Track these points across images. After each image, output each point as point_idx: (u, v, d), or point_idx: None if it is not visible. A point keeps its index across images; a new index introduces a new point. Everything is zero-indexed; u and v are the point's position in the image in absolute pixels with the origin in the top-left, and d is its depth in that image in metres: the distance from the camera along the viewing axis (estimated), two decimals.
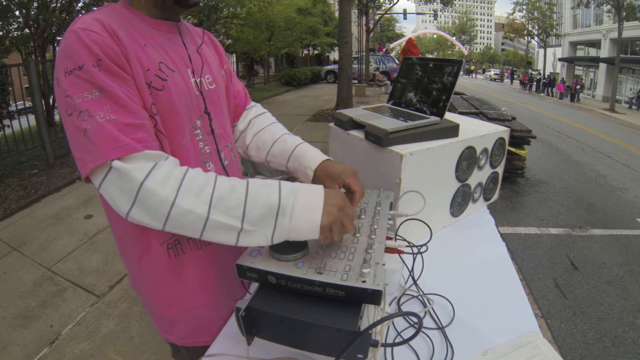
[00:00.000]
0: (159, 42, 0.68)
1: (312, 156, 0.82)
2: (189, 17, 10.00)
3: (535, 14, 29.16)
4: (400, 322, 0.75)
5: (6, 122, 4.98)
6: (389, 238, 0.68)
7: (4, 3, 5.85)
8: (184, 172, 0.58)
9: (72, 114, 0.56)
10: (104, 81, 0.56)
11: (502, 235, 1.12)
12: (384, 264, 0.59)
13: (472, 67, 50.23)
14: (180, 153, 0.68)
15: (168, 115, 0.66)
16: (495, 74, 41.86)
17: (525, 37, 35.04)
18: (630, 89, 18.96)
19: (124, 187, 0.55)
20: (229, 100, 0.87)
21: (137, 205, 0.55)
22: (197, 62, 0.75)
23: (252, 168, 1.66)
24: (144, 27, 0.67)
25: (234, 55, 13.49)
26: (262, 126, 0.92)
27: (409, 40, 6.20)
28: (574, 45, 25.36)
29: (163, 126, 0.65)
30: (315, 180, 0.80)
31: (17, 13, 6.15)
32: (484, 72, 51.04)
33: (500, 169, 1.26)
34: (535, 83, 25.87)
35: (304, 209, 0.58)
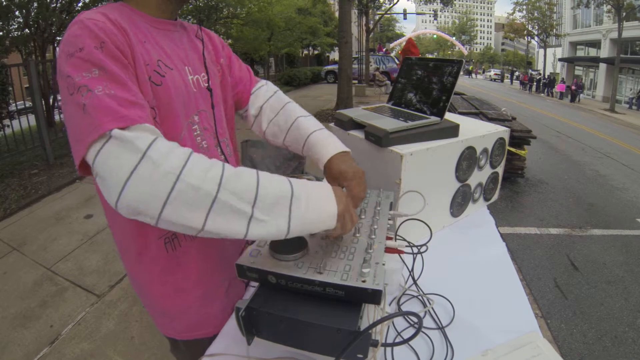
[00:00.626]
0: (158, 41, 0.69)
1: (322, 150, 0.78)
2: (189, 17, 10.01)
3: (535, 14, 29.16)
4: (400, 322, 0.75)
5: (6, 122, 4.98)
6: (389, 238, 0.68)
7: (4, 3, 5.85)
8: (189, 150, 0.53)
9: (73, 93, 0.54)
10: (104, 61, 0.55)
11: (502, 235, 1.12)
12: (384, 264, 0.59)
13: (471, 67, 49.30)
14: None
15: (165, 110, 0.66)
16: (496, 74, 41.83)
17: (525, 37, 35.06)
18: (631, 89, 18.95)
19: (123, 157, 0.49)
20: (227, 93, 0.86)
21: (135, 178, 0.47)
22: (194, 60, 0.75)
23: (251, 167, 1.65)
24: (144, 25, 0.68)
25: None
26: (275, 111, 0.89)
27: (409, 40, 6.20)
28: (574, 45, 25.35)
29: (160, 120, 0.66)
30: (325, 175, 0.78)
31: (17, 13, 6.15)
32: (483, 72, 50.39)
33: (500, 169, 1.26)
34: (535, 83, 25.88)
35: (319, 197, 0.58)
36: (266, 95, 0.91)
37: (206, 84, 0.76)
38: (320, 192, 0.59)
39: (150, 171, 0.48)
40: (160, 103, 0.65)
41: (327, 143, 0.79)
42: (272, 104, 0.90)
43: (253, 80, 0.92)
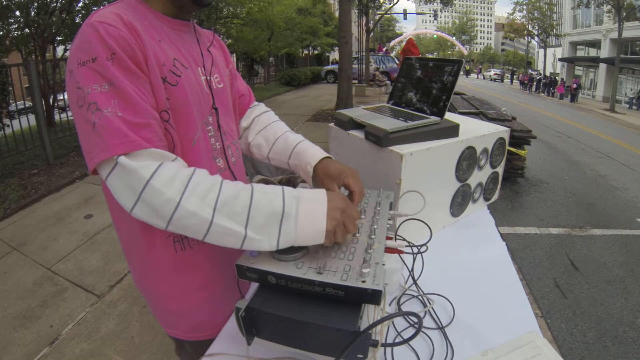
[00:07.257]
0: (173, 40, 0.69)
1: (312, 153, 0.83)
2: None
3: (536, 14, 29.16)
4: (400, 322, 0.75)
5: (6, 121, 4.98)
6: (389, 238, 0.68)
7: (4, 3, 5.85)
8: (191, 174, 0.58)
9: (82, 106, 0.56)
10: (115, 75, 0.56)
11: (502, 235, 1.12)
12: (383, 264, 0.59)
13: (467, 67, 47.01)
14: (192, 148, 0.69)
15: (181, 110, 0.67)
16: (496, 74, 41.74)
17: (525, 37, 35.04)
18: (631, 89, 18.95)
19: (129, 183, 0.55)
20: (234, 99, 0.89)
21: (141, 202, 0.55)
22: (207, 61, 0.77)
23: (252, 167, 1.65)
24: (159, 23, 0.68)
25: (234, 55, 13.49)
26: (264, 124, 0.94)
27: (409, 40, 6.20)
28: (574, 45, 25.34)
29: (175, 121, 0.66)
30: (315, 177, 0.82)
31: (17, 13, 6.15)
32: (480, 72, 48.98)
33: (500, 169, 1.26)
34: (535, 83, 25.86)
35: (309, 215, 0.59)
36: (260, 110, 0.97)
37: (219, 86, 0.78)
38: (312, 209, 0.59)
39: (153, 198, 0.54)
40: (175, 104, 0.66)
41: (316, 149, 0.85)
42: (263, 119, 0.96)
43: (252, 97, 0.98)
